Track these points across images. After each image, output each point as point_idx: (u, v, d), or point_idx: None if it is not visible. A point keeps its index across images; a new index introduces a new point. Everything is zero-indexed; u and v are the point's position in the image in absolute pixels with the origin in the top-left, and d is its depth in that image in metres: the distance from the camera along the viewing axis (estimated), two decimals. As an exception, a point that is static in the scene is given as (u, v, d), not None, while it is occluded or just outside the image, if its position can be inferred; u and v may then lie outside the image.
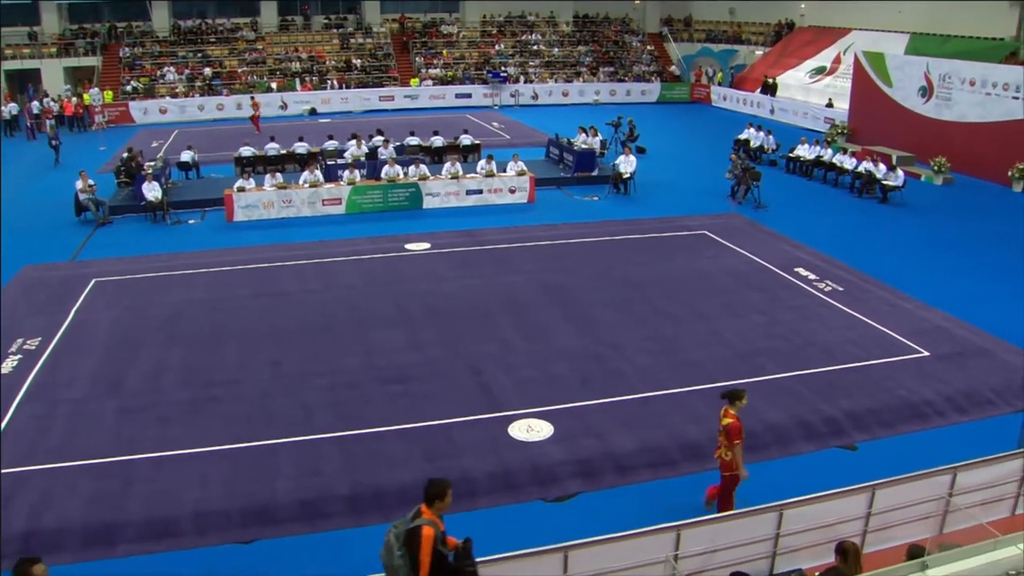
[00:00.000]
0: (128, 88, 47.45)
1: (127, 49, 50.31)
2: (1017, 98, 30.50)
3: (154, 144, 37.70)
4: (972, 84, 32.41)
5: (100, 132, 42.07)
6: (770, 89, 48.81)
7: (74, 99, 44.63)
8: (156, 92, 47.75)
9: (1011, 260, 22.26)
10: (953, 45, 40.14)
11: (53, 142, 35.37)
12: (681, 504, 10.98)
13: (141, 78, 48.38)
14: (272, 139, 32.30)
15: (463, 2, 57.92)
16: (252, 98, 44.99)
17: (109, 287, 19.86)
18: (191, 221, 25.91)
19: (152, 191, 25.79)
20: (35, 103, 43.35)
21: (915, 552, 8.57)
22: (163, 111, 46.43)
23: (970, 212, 27.40)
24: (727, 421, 10.78)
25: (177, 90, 48.04)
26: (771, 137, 35.21)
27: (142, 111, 46.17)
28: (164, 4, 52.07)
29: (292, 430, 13.33)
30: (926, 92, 34.41)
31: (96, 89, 45.40)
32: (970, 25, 40.84)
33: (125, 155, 29.60)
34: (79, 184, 25.69)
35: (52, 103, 43.71)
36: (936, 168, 31.32)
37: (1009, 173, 30.22)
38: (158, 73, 49.12)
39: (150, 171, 26.69)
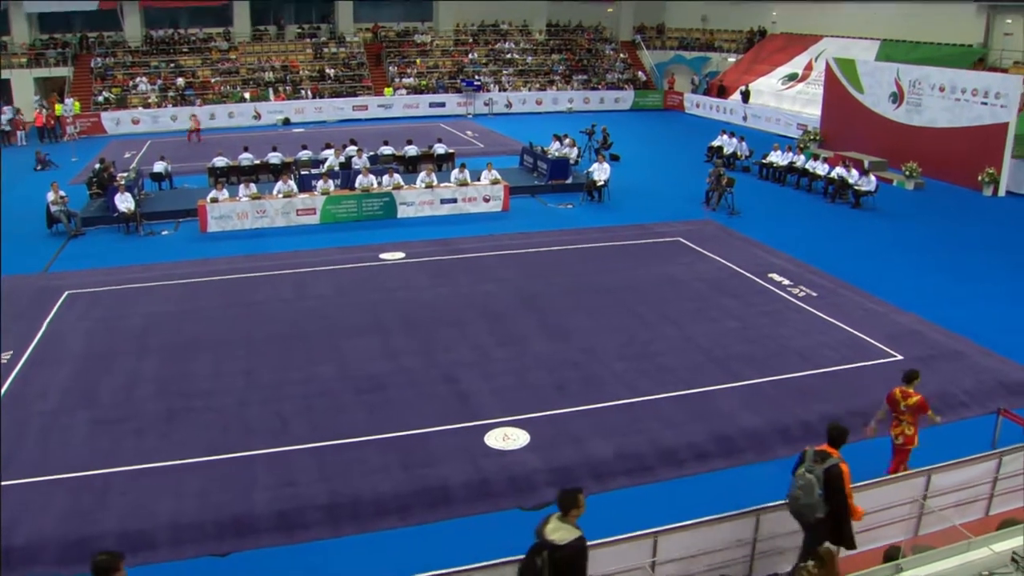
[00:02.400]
0: (100, 99, 47.09)
1: (99, 59, 49.94)
2: (985, 103, 30.82)
3: (127, 155, 37.41)
4: (942, 90, 32.71)
5: (72, 143, 41.73)
6: (723, 93, 50.29)
7: (44, 110, 44.19)
8: (128, 103, 47.39)
9: (982, 263, 22.52)
10: (922, 51, 40.61)
11: (38, 166, 35.16)
12: (658, 510, 10.97)
13: (113, 88, 48.02)
14: (245, 149, 32.16)
15: (436, 11, 57.90)
16: (193, 116, 44.70)
17: (82, 299, 19.70)
18: (164, 232, 25.74)
19: (125, 202, 25.61)
20: (2, 116, 42.89)
21: (892, 554, 8.63)
22: (135, 122, 46.08)
23: (941, 216, 27.67)
24: (915, 399, 11.55)
25: (149, 100, 47.72)
26: (744, 143, 35.40)
27: (114, 122, 45.81)
28: (136, 14, 51.75)
29: (268, 440, 13.27)
30: (897, 98, 34.71)
31: (71, 100, 45.05)
32: (939, 32, 41.37)
33: (97, 166, 29.36)
34: (50, 196, 25.46)
35: (18, 115, 43.18)
36: (907, 173, 31.59)
37: (979, 177, 30.54)
38: (130, 83, 48.79)
39: (122, 182, 26.50)
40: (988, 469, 11.02)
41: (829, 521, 9.08)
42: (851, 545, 9.29)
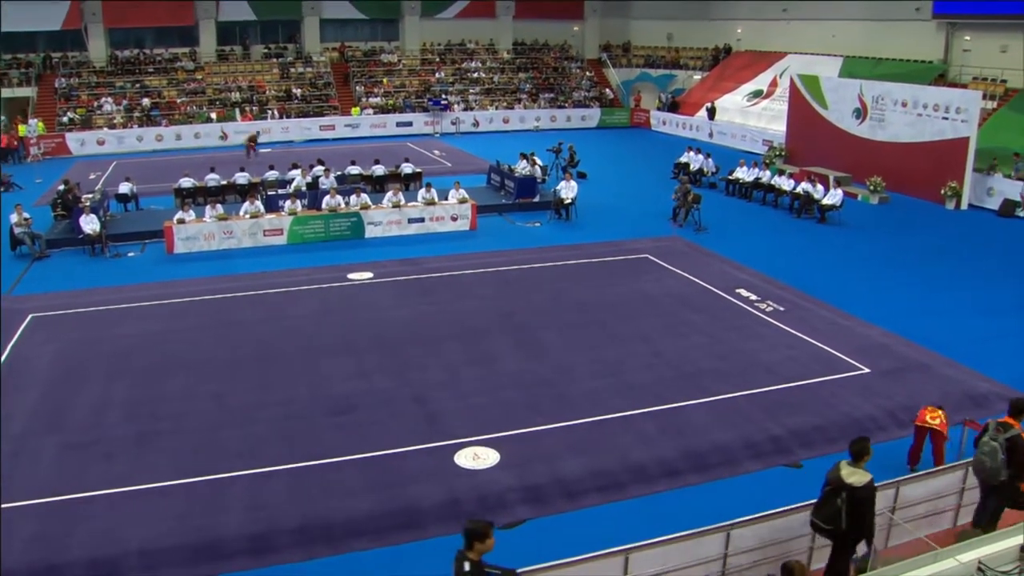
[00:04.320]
0: (64, 119, 46.74)
1: (63, 79, 49.58)
2: (947, 118, 31.26)
3: (92, 176, 37.10)
4: (904, 105, 33.15)
5: (36, 164, 41.36)
6: (675, 108, 52.41)
7: (7, 131, 43.68)
8: (93, 123, 47.05)
9: (946, 275, 22.82)
10: (885, 67, 41.24)
11: (0, 188, 34.74)
12: (630, 527, 11.00)
13: (78, 109, 47.68)
14: (212, 170, 32.01)
15: (403, 31, 57.96)
16: (256, 133, 44.89)
17: (47, 322, 19.51)
18: (131, 254, 25.55)
19: (90, 224, 25.42)
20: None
21: (863, 567, 8.70)
22: (101, 142, 45.74)
23: (906, 230, 28.00)
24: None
25: (115, 121, 47.39)
26: (710, 160, 35.64)
27: (79, 142, 45.44)
28: (101, 34, 51.45)
29: (239, 463, 13.17)
30: (860, 113, 35.13)
31: (35, 120, 44.68)
32: (900, 48, 42.06)
33: (61, 187, 29.14)
34: (14, 218, 25.23)
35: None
36: (872, 187, 31.95)
37: (942, 191, 30.95)
38: (95, 104, 48.44)
39: (88, 203, 26.31)
40: (955, 480, 11.14)
41: (1009, 484, 10.29)
42: None
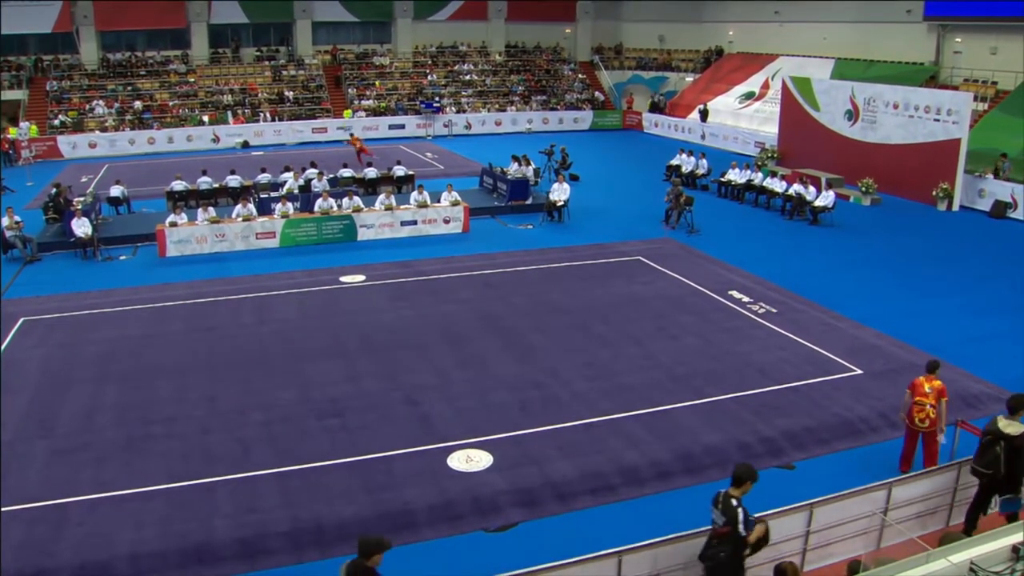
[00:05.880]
0: (56, 122, 46.64)
1: (54, 82, 49.48)
2: (938, 120, 31.33)
3: (83, 179, 37.04)
4: (895, 107, 33.21)
5: (27, 167, 41.23)
6: (655, 110, 53.23)
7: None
8: (85, 126, 46.98)
9: (938, 277, 22.86)
10: (876, 69, 41.38)
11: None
12: (622, 529, 10.98)
13: (69, 112, 47.58)
14: (204, 173, 31.94)
15: (395, 33, 57.95)
16: (351, 134, 44.87)
17: (38, 326, 19.43)
18: (122, 257, 25.47)
19: (82, 227, 25.33)
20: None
21: (855, 568, 8.69)
22: (92, 145, 45.63)
23: (897, 231, 28.05)
24: (938, 383, 12.51)
25: (107, 124, 47.33)
26: (705, 160, 35.64)
27: (71, 145, 45.34)
28: (92, 36, 51.35)
29: (229, 466, 13.13)
30: (852, 115, 35.17)
31: (27, 123, 44.55)
32: (891, 50, 42.23)
33: (53, 191, 29.04)
34: (5, 221, 25.14)
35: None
36: (864, 189, 32.00)
37: (933, 192, 30.99)
38: (87, 107, 48.37)
39: (79, 207, 26.23)
40: (947, 480, 11.14)
41: None
42: None
